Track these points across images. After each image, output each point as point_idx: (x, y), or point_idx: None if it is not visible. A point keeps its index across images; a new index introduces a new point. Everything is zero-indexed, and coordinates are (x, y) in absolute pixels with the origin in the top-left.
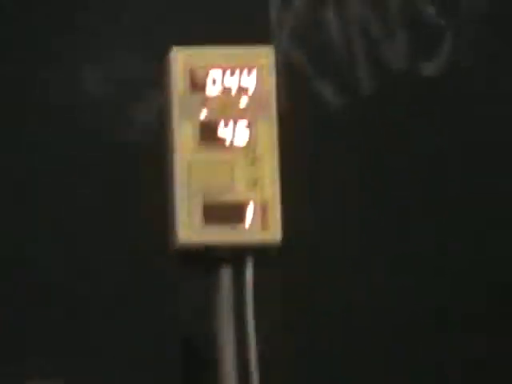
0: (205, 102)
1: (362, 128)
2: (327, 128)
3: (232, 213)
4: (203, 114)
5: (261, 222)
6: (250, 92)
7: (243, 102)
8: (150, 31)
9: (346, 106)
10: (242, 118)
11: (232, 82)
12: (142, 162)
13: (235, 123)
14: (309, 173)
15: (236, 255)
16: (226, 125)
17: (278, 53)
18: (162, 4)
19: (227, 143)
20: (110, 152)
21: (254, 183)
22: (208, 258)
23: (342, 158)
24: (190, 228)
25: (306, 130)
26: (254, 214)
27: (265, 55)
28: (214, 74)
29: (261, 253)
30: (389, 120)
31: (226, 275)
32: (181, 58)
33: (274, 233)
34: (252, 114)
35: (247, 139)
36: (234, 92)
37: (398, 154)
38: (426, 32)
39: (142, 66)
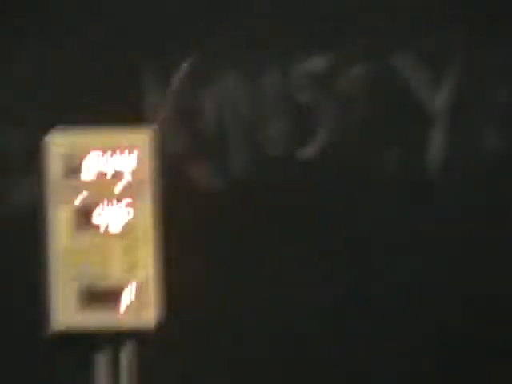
0: (80, 187)
1: (236, 210)
2: (201, 210)
3: (108, 298)
4: (79, 200)
5: (136, 307)
6: (127, 176)
7: (119, 186)
8: (25, 114)
9: (221, 188)
10: (119, 203)
11: (108, 167)
12: (16, 247)
13: (111, 208)
14: (186, 253)
15: (112, 339)
16: (101, 210)
17: (154, 136)
18: (38, 87)
19: (102, 229)
20: None
21: (130, 268)
22: (84, 343)
23: (216, 239)
24: (64, 313)
25: (180, 212)
26: (130, 298)
27: (142, 139)
28: (91, 157)
29: (137, 336)
30: (262, 202)
31: (102, 360)
32: (56, 144)
33: (149, 317)
34: (129, 198)
35: (123, 224)
36: (109, 176)
37: (269, 236)
38: (302, 117)
39: (18, 149)
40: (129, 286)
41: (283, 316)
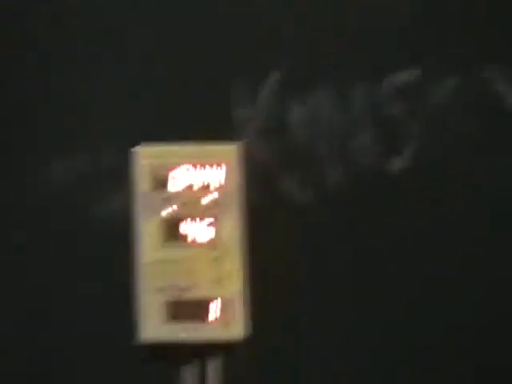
0: (168, 199)
1: (328, 223)
2: (293, 224)
3: (195, 310)
4: (166, 212)
5: (224, 319)
6: (215, 188)
7: (207, 199)
8: (113, 130)
9: (312, 201)
10: (207, 215)
11: (196, 179)
12: (105, 259)
13: (200, 220)
14: (274, 266)
15: (199, 352)
16: (189, 222)
17: (243, 150)
18: (126, 103)
19: (190, 240)
20: (73, 247)
21: (218, 281)
22: (171, 355)
23: (307, 252)
24: (152, 325)
25: (272, 225)
26: (217, 311)
27: (230, 152)
28: (179, 171)
29: (224, 350)
30: (354, 215)
31: (188, 372)
32: (144, 156)
33: (237, 330)
34: (217, 211)
35: (211, 236)
36: (197, 189)
37: (365, 247)
38: (392, 128)
39: (107, 164)
40: (216, 299)
41: (379, 328)
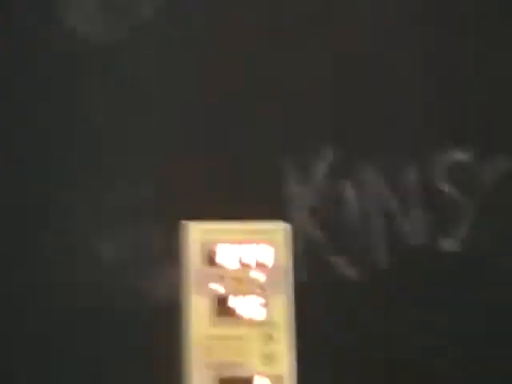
0: (220, 276)
1: (378, 302)
2: (344, 302)
3: None
4: (218, 289)
5: None
6: (267, 268)
7: (259, 277)
8: (164, 206)
9: (363, 280)
10: (258, 293)
11: (248, 258)
12: (155, 337)
13: (251, 299)
14: (324, 345)
15: None
16: (241, 300)
17: (294, 229)
18: (176, 179)
19: (242, 318)
20: (124, 326)
21: (269, 359)
22: None
23: (358, 332)
24: None
25: (323, 304)
26: None
27: (281, 231)
28: (230, 249)
29: None
30: (405, 293)
31: None
32: (196, 233)
33: None
34: (268, 289)
35: (263, 315)
36: (250, 267)
37: (414, 326)
38: (444, 209)
39: (157, 240)
40: (267, 378)
41: None
